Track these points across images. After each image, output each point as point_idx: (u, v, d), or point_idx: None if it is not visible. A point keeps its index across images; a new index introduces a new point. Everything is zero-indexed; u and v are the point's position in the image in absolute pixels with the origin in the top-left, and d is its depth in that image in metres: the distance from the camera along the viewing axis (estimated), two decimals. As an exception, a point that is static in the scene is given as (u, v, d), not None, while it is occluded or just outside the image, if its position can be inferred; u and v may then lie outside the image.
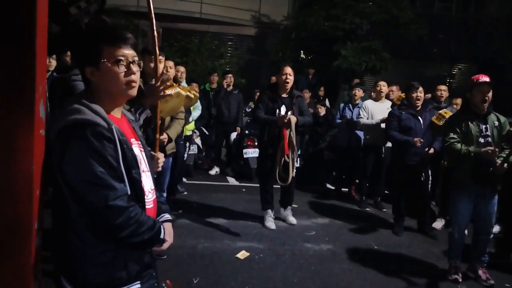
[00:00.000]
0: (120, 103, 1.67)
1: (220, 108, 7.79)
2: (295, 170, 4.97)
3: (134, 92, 1.61)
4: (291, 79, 4.96)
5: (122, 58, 1.56)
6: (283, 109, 4.94)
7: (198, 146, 7.40)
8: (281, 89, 5.03)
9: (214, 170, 7.97)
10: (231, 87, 7.95)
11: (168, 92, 3.29)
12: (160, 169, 2.10)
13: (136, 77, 1.60)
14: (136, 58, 1.61)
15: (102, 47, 1.54)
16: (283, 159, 4.83)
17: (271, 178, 5.08)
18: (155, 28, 2.43)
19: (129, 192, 1.53)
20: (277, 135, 4.90)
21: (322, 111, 7.89)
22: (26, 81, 1.41)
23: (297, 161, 5.18)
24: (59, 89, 2.44)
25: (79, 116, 1.46)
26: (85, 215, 1.47)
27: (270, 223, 5.14)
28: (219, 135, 8.02)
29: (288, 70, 4.97)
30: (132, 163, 1.56)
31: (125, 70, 1.57)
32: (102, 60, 1.53)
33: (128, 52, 1.58)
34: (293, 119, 4.84)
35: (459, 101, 6.42)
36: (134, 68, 1.59)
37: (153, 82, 2.68)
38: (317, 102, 8.26)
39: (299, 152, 5.71)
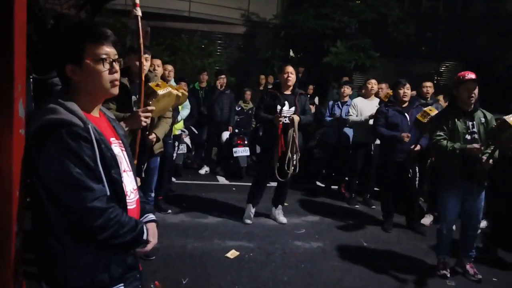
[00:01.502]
0: (99, 102, 1.63)
1: (213, 108, 7.79)
2: (293, 168, 5.01)
3: (116, 90, 1.59)
4: (292, 77, 5.08)
5: (106, 56, 1.53)
6: (286, 106, 5.01)
7: (187, 145, 7.36)
8: (284, 87, 5.12)
9: (204, 170, 7.94)
10: (223, 87, 7.95)
11: (159, 91, 3.29)
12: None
13: (118, 75, 1.57)
14: (117, 57, 1.58)
15: (85, 44, 1.50)
16: (287, 156, 4.91)
17: (268, 176, 5.16)
18: (142, 54, 2.55)
19: (108, 193, 1.49)
20: (278, 133, 4.96)
21: (312, 109, 7.90)
22: (5, 80, 1.37)
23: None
24: (38, 90, 2.41)
25: (54, 116, 1.42)
26: (63, 217, 1.44)
27: (248, 218, 5.21)
28: (211, 135, 8.00)
29: (290, 69, 5.09)
30: (111, 162, 1.52)
31: (109, 68, 1.54)
32: (86, 58, 1.50)
33: (110, 50, 1.55)
34: (296, 119, 4.91)
35: (441, 97, 6.48)
36: (116, 66, 1.57)
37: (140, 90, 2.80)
38: (310, 100, 8.26)
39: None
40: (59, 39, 1.56)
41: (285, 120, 4.92)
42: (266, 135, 5.23)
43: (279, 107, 4.98)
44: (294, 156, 4.96)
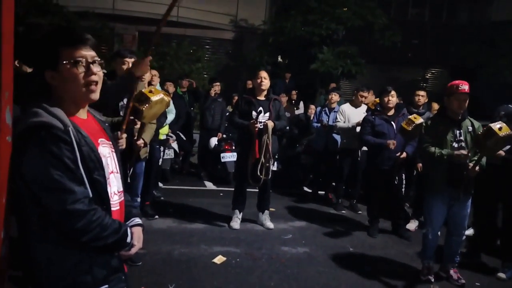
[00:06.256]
0: (82, 106, 1.62)
1: (204, 115, 7.82)
2: (270, 174, 5.06)
3: (94, 95, 1.57)
4: (266, 82, 5.10)
5: (80, 58, 1.52)
6: (262, 113, 5.03)
7: (174, 150, 7.34)
8: (258, 92, 5.14)
9: (202, 174, 7.94)
10: (217, 95, 7.98)
11: (153, 97, 3.31)
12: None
13: (97, 77, 1.56)
14: (97, 59, 1.57)
15: (59, 49, 1.51)
16: (260, 161, 4.94)
17: (247, 181, 5.19)
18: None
19: (91, 195, 1.50)
20: (253, 139, 4.99)
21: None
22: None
23: (273, 165, 5.25)
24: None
25: (35, 119, 1.44)
26: (46, 219, 1.45)
27: (234, 223, 5.22)
28: (203, 142, 8.01)
29: (263, 74, 5.11)
30: (94, 164, 1.53)
31: (84, 71, 1.53)
32: (61, 63, 1.50)
33: (87, 53, 1.55)
34: (270, 124, 4.93)
35: (435, 106, 6.52)
36: (95, 68, 1.56)
37: None
38: (292, 106, 8.35)
39: (276, 156, 5.77)
40: (34, 47, 1.57)
41: (260, 126, 4.96)
42: (241, 141, 5.26)
43: (254, 113, 5.01)
44: (267, 160, 4.99)
